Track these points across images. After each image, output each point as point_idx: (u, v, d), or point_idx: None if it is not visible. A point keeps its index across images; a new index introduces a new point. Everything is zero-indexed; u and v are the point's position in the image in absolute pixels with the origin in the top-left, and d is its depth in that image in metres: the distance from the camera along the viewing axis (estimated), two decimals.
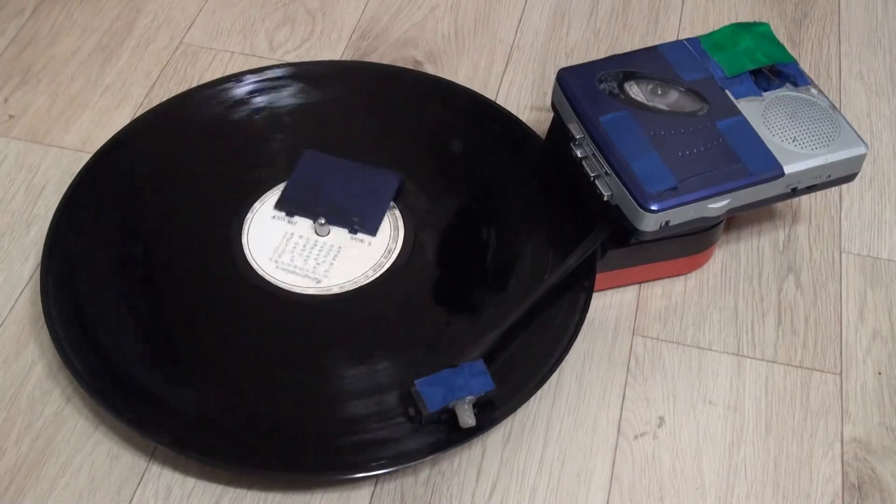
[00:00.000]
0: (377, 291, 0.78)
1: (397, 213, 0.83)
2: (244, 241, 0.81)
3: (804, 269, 0.85)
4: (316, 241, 0.81)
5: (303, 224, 0.82)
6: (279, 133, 0.88)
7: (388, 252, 0.81)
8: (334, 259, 0.79)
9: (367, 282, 0.79)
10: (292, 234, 0.81)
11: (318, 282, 0.78)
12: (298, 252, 0.80)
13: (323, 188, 0.82)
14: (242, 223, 0.82)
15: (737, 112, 0.80)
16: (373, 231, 0.81)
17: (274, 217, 0.82)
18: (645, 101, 0.80)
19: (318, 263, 0.79)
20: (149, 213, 0.82)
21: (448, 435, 0.71)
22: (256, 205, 0.83)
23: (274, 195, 0.83)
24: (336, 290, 0.78)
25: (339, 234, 0.81)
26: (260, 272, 0.79)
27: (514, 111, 0.93)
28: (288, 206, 0.82)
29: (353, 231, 0.81)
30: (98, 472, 0.72)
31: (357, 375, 0.74)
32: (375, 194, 0.82)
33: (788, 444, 0.75)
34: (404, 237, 0.82)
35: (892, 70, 1.01)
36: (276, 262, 0.79)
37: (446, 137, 0.88)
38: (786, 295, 0.84)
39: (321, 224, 0.81)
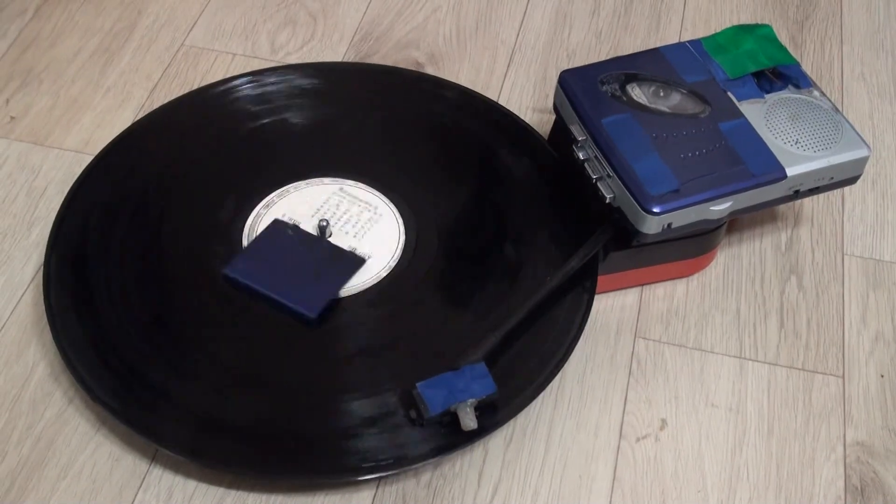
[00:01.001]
0: (379, 293, 0.78)
1: (398, 215, 0.83)
2: (246, 239, 0.80)
3: (806, 272, 0.85)
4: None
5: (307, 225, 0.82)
6: (281, 135, 0.88)
7: (389, 255, 0.80)
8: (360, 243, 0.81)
9: (369, 284, 0.79)
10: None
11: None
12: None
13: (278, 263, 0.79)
14: (245, 225, 0.82)
15: (739, 114, 0.80)
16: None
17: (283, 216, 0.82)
18: (647, 103, 0.80)
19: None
20: (151, 215, 0.82)
21: (449, 437, 0.70)
22: (259, 208, 0.83)
23: (278, 199, 0.83)
24: (340, 294, 0.78)
25: (340, 237, 0.81)
26: None
27: (515, 113, 0.93)
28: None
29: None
30: (99, 475, 0.71)
31: (358, 378, 0.74)
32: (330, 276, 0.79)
33: (791, 447, 0.75)
34: (405, 239, 0.81)
35: (894, 72, 1.01)
36: None
37: (448, 139, 0.88)
38: (788, 297, 0.83)
39: (325, 226, 0.81)
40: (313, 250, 0.80)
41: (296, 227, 0.81)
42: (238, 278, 0.78)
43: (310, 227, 0.81)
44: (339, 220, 0.82)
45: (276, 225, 0.81)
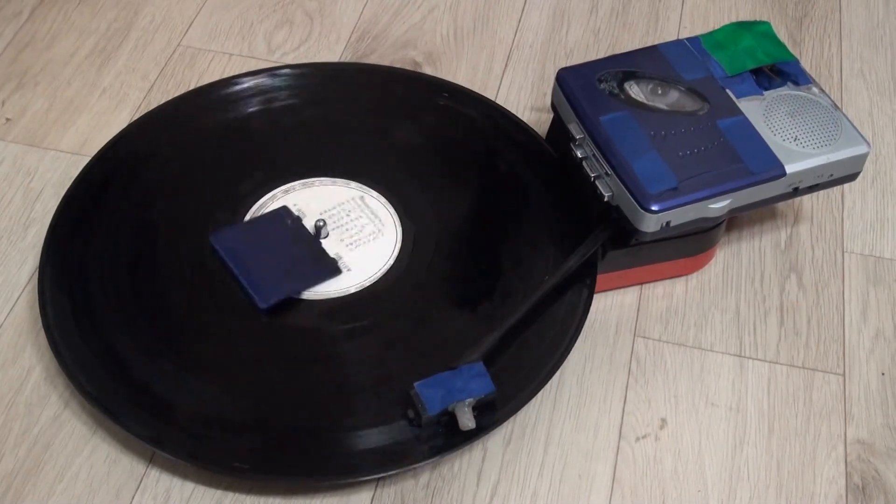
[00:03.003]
0: (376, 293, 0.78)
1: (396, 215, 0.82)
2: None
3: (806, 270, 0.85)
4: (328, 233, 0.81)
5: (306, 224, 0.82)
6: (278, 135, 0.88)
7: (388, 254, 0.80)
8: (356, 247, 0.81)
9: (368, 283, 0.78)
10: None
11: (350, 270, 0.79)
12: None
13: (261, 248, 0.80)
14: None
15: (738, 111, 0.80)
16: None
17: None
18: (645, 101, 0.80)
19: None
20: (147, 217, 0.82)
21: (448, 438, 0.70)
22: (262, 200, 0.83)
23: (271, 203, 0.83)
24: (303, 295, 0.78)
25: (334, 241, 0.81)
26: None
27: (513, 112, 0.92)
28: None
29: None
30: (96, 477, 0.71)
31: (356, 379, 0.74)
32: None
33: (791, 446, 0.75)
34: (403, 239, 0.81)
35: (893, 68, 1.01)
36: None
37: (445, 139, 0.88)
38: (788, 295, 0.83)
39: (320, 226, 0.80)
40: (298, 246, 0.79)
41: (297, 220, 0.81)
42: (217, 248, 0.78)
43: (311, 223, 0.81)
44: (341, 225, 0.82)
45: (280, 211, 0.81)
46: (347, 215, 0.82)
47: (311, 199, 0.83)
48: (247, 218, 0.81)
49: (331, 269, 0.79)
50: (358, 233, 0.81)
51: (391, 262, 0.80)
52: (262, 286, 0.77)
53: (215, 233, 0.79)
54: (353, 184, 0.84)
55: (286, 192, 0.83)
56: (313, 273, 0.78)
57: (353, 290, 0.78)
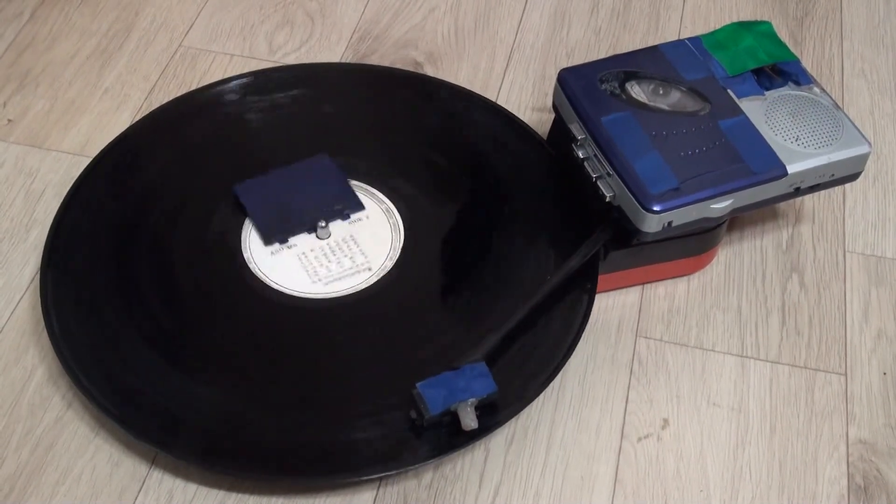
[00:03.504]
0: (379, 293, 0.78)
1: (398, 214, 0.83)
2: (244, 243, 0.80)
3: (808, 269, 0.85)
4: (328, 244, 0.80)
5: (302, 239, 0.81)
6: (279, 136, 0.88)
7: (388, 256, 0.80)
8: (358, 245, 0.80)
9: (369, 284, 0.78)
10: (303, 253, 0.80)
11: (370, 269, 0.79)
12: (327, 260, 0.79)
13: (285, 203, 0.81)
14: (243, 226, 0.81)
15: (739, 111, 0.80)
16: (359, 206, 0.82)
17: (273, 252, 0.80)
18: (646, 101, 0.80)
19: (352, 256, 0.79)
20: (149, 217, 0.82)
21: (450, 438, 0.70)
22: (251, 245, 0.81)
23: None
24: (334, 295, 0.78)
25: (337, 226, 0.81)
26: (259, 275, 0.78)
27: (514, 112, 0.92)
28: (273, 235, 0.80)
29: (345, 217, 0.81)
30: (99, 479, 0.71)
31: (358, 378, 0.74)
32: (327, 179, 0.83)
33: (793, 446, 0.75)
34: (405, 238, 0.81)
35: (894, 67, 1.01)
36: (320, 281, 0.78)
37: (446, 139, 0.88)
38: (790, 295, 0.83)
39: (322, 227, 0.80)
40: (291, 175, 0.83)
41: (330, 164, 0.84)
42: (238, 195, 0.82)
43: (307, 238, 0.81)
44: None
45: (321, 157, 0.84)
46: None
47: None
48: (243, 245, 0.81)
49: (321, 156, 0.82)
50: (359, 233, 0.81)
51: (392, 261, 0.80)
52: (268, 228, 0.80)
53: (239, 185, 0.82)
54: (354, 183, 0.84)
55: None
56: (324, 163, 0.82)
57: (354, 290, 0.78)
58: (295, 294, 0.78)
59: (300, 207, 0.81)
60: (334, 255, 0.80)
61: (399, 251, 0.80)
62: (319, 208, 0.81)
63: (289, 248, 0.80)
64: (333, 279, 0.78)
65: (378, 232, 0.81)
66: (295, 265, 0.79)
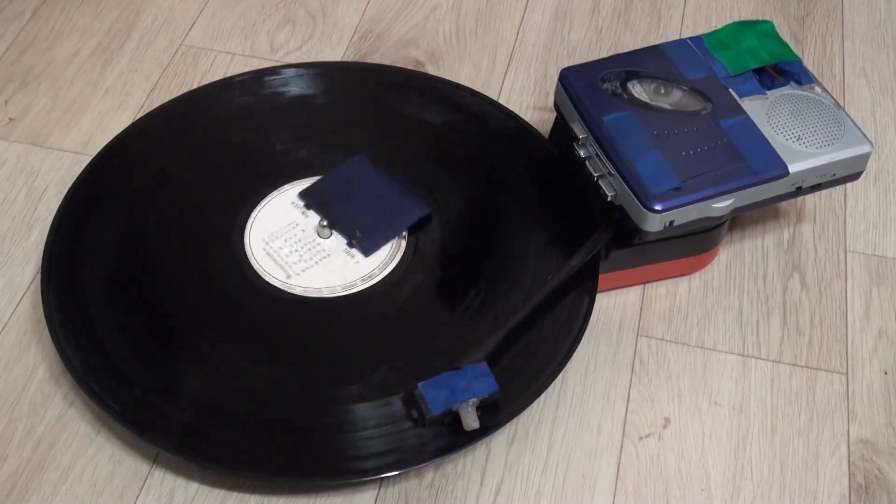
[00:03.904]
0: (380, 293, 0.78)
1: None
2: (245, 243, 0.80)
3: (809, 269, 0.85)
4: (313, 240, 0.80)
5: (313, 219, 0.82)
6: (280, 135, 0.88)
7: (390, 256, 0.80)
8: (317, 263, 0.79)
9: (370, 284, 0.78)
10: (296, 224, 0.81)
11: (288, 277, 0.78)
12: (291, 243, 0.80)
13: (350, 194, 0.82)
14: (244, 226, 0.81)
15: (741, 111, 0.80)
16: (367, 252, 0.80)
17: (293, 203, 0.83)
18: (648, 101, 0.80)
19: (299, 259, 0.79)
20: (150, 216, 0.82)
21: (452, 437, 0.70)
22: (265, 201, 0.83)
23: (275, 197, 0.83)
24: (298, 292, 0.78)
25: (338, 241, 0.81)
26: (263, 275, 0.78)
27: (516, 111, 0.92)
28: (309, 198, 0.83)
29: (350, 245, 0.80)
30: (100, 477, 0.71)
31: (360, 378, 0.74)
32: (392, 218, 0.81)
33: (794, 445, 0.75)
34: (406, 237, 0.81)
35: (895, 67, 1.01)
36: (267, 244, 0.79)
37: (447, 138, 0.88)
38: (791, 294, 0.83)
39: (323, 226, 0.80)
40: (387, 188, 0.83)
41: (370, 166, 0.84)
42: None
43: (314, 221, 0.81)
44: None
45: (355, 159, 0.84)
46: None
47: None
48: (245, 245, 0.81)
49: (422, 206, 0.82)
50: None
51: (394, 261, 0.80)
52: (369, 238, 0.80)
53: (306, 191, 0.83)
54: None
55: (290, 189, 0.83)
56: (413, 210, 0.82)
57: (356, 290, 0.78)
58: (303, 295, 0.77)
59: (348, 205, 0.82)
60: (301, 247, 0.80)
61: (400, 250, 0.80)
62: (350, 220, 0.82)
63: (303, 213, 0.82)
64: (271, 254, 0.80)
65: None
66: (280, 223, 0.81)
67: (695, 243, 0.81)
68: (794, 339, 0.80)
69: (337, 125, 0.89)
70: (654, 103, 0.80)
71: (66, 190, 0.84)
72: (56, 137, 0.91)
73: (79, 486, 0.71)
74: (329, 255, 0.80)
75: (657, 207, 0.74)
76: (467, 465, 0.73)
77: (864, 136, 0.79)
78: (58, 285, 0.77)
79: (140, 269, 0.79)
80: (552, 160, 0.86)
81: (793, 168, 0.77)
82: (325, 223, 0.80)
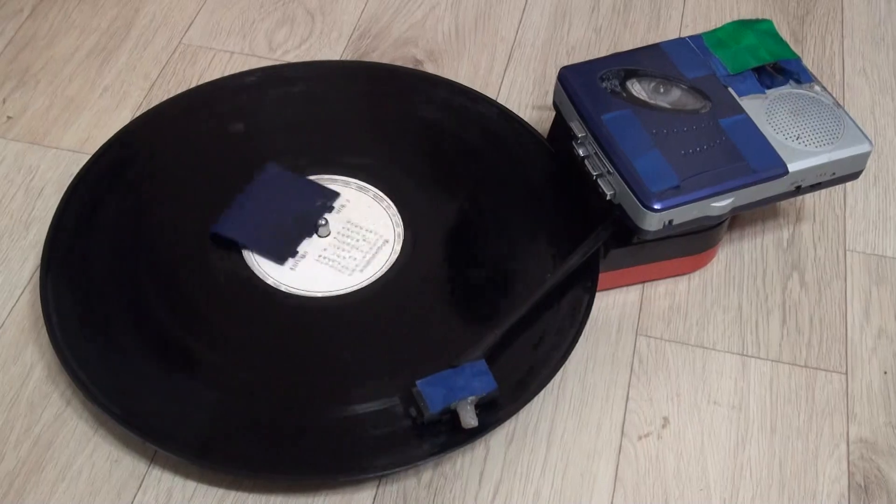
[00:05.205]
0: (378, 292, 0.78)
1: (397, 212, 0.82)
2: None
3: (808, 268, 0.85)
4: (313, 238, 0.80)
5: (307, 244, 0.80)
6: (279, 133, 0.88)
7: (389, 253, 0.80)
8: (315, 261, 0.79)
9: (369, 282, 0.78)
10: (319, 255, 0.80)
11: (287, 277, 0.78)
12: (347, 250, 0.80)
13: (270, 221, 0.81)
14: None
15: (740, 110, 0.79)
16: (334, 194, 0.82)
17: (292, 268, 0.79)
18: (647, 99, 0.80)
19: (299, 258, 0.79)
20: (149, 214, 0.82)
21: (450, 436, 0.70)
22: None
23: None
24: (296, 292, 0.77)
25: (331, 219, 0.81)
26: (262, 275, 0.78)
27: (515, 110, 0.92)
28: (285, 253, 0.79)
29: (330, 209, 0.82)
30: (98, 476, 0.71)
31: (358, 376, 0.74)
32: (289, 184, 0.83)
33: (794, 445, 0.74)
34: (404, 237, 0.81)
35: (895, 66, 1.01)
36: (356, 269, 0.79)
37: (447, 137, 0.88)
38: (790, 294, 0.83)
39: (322, 225, 0.80)
40: (293, 193, 0.82)
41: (278, 172, 0.83)
42: (222, 234, 0.80)
43: (314, 242, 0.81)
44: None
45: (265, 172, 0.83)
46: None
47: None
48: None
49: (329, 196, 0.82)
50: (352, 215, 0.81)
51: (392, 260, 0.80)
52: (275, 249, 0.79)
53: (216, 225, 0.80)
54: (353, 181, 0.84)
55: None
56: (315, 211, 0.81)
57: (354, 289, 0.78)
58: (298, 295, 0.77)
59: (288, 218, 0.81)
60: (348, 243, 0.79)
61: (398, 249, 0.80)
62: (306, 211, 0.81)
63: (302, 257, 0.80)
64: (366, 263, 0.78)
65: (366, 208, 0.82)
66: (320, 268, 0.79)
67: (694, 242, 0.81)
68: (794, 339, 0.80)
69: (335, 124, 0.89)
70: (653, 102, 0.80)
71: (64, 188, 0.84)
72: (54, 136, 0.91)
73: (76, 484, 0.71)
74: (328, 254, 0.80)
75: (656, 206, 0.74)
76: (466, 465, 0.73)
77: (864, 135, 0.79)
78: (56, 284, 0.77)
79: (138, 267, 0.79)
80: (551, 159, 0.86)
81: (792, 167, 0.77)
82: (322, 223, 0.80)
